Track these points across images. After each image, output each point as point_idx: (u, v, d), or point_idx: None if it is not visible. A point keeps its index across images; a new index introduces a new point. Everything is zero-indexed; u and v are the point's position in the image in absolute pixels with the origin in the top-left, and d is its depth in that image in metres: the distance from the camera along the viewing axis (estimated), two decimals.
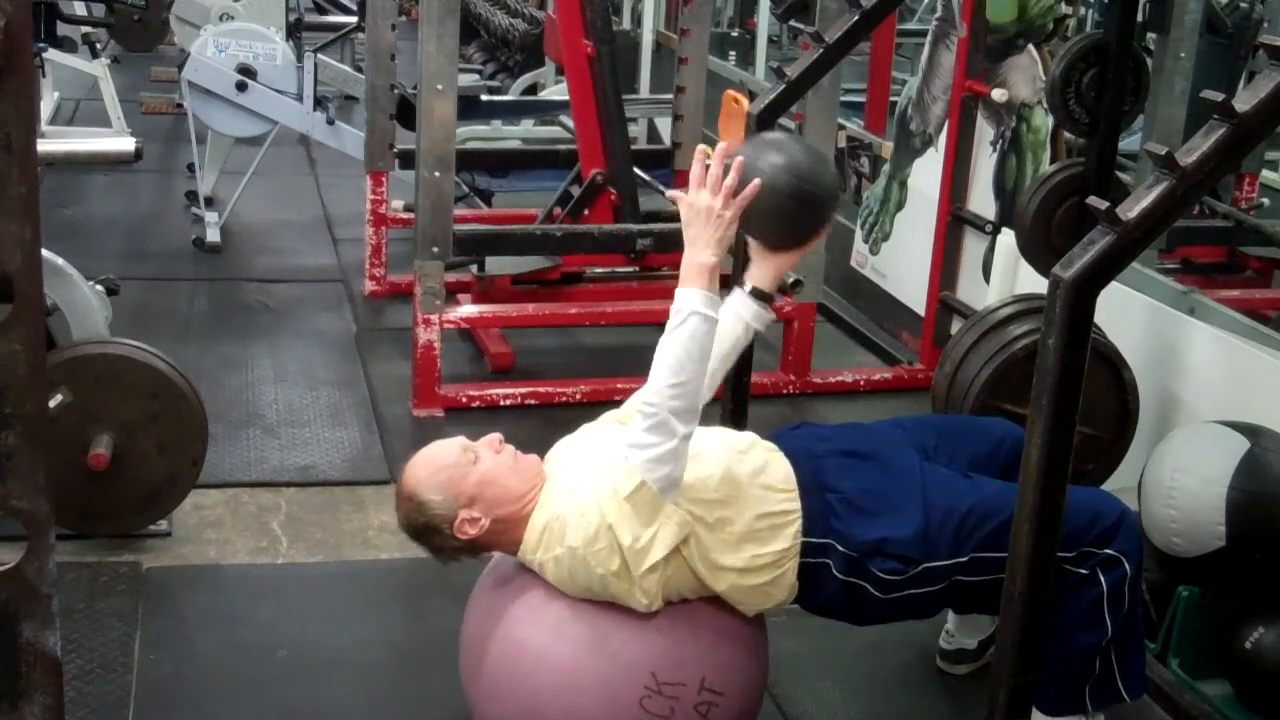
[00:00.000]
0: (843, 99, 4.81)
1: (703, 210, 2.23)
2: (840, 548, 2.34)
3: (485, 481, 2.34)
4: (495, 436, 2.44)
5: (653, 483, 2.19)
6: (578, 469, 2.37)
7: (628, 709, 2.28)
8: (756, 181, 2.25)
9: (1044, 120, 4.17)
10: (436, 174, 3.99)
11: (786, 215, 2.40)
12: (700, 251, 2.23)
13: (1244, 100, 1.79)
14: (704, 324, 2.20)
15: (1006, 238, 3.89)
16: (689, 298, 2.21)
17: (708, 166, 2.25)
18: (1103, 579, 2.35)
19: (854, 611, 2.43)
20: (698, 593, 2.34)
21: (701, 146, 2.32)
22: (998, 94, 4.25)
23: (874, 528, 2.34)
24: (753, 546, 2.31)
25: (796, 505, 2.34)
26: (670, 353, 2.19)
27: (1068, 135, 4.19)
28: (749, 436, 2.49)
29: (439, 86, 3.91)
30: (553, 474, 2.40)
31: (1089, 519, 2.35)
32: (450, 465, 2.36)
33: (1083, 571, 2.35)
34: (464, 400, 4.18)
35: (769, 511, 2.33)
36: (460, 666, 2.49)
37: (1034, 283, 3.52)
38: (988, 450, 2.60)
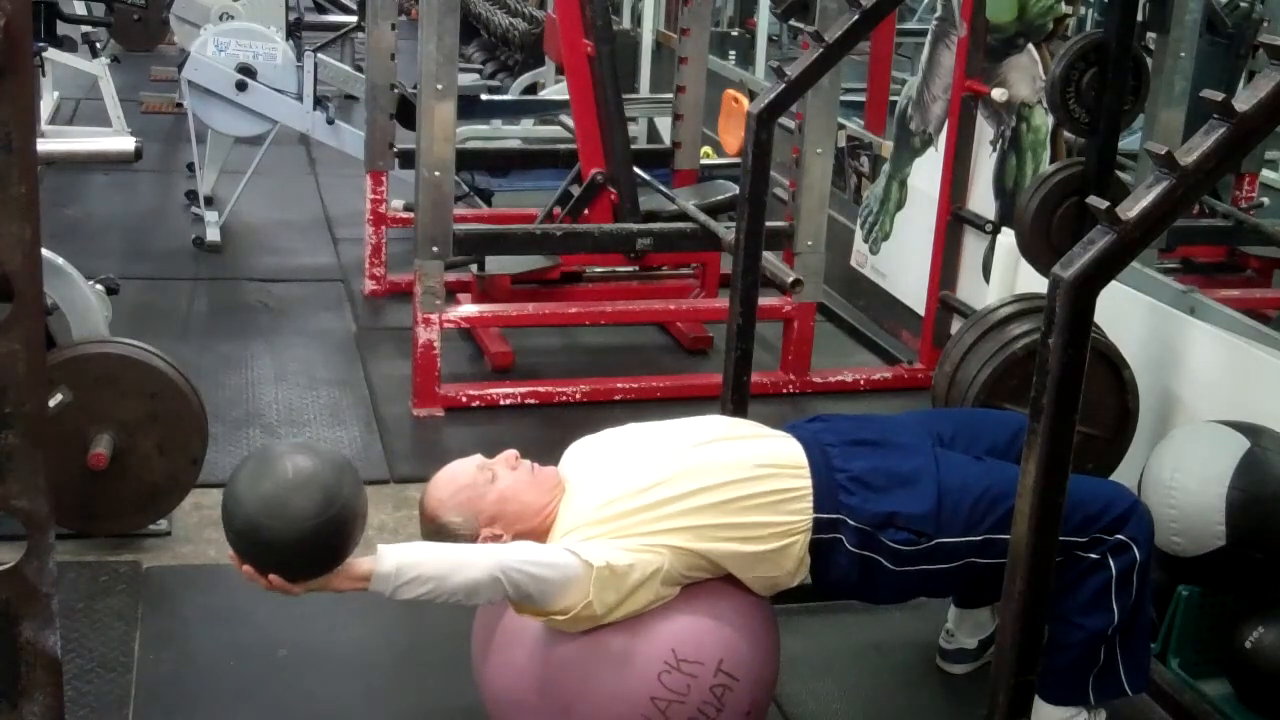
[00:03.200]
0: (843, 98, 4.81)
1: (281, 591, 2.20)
2: (851, 521, 2.36)
3: (504, 499, 2.36)
4: (511, 453, 2.45)
5: (582, 580, 2.22)
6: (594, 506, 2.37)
7: (646, 683, 2.29)
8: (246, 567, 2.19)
9: (1044, 120, 4.17)
10: (436, 174, 3.99)
11: (323, 547, 2.14)
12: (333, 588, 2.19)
13: (1244, 100, 1.79)
14: (399, 594, 2.18)
15: (1006, 237, 3.89)
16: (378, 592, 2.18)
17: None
18: (1112, 564, 2.37)
19: (868, 587, 2.45)
20: (706, 571, 2.35)
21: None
22: (998, 93, 4.25)
23: (885, 501, 2.37)
24: (761, 515, 2.34)
25: (807, 483, 2.37)
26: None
27: (1068, 135, 4.18)
28: (760, 425, 2.53)
29: (439, 86, 3.91)
30: (569, 481, 2.42)
31: (1102, 505, 2.38)
32: (468, 485, 2.38)
33: (1093, 556, 2.37)
34: (464, 400, 4.18)
35: (778, 489, 2.36)
36: (472, 645, 2.49)
37: (1034, 282, 3.52)
38: (1004, 442, 2.61)
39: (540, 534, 2.36)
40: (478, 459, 2.44)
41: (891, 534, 2.36)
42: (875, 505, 2.37)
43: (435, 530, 2.37)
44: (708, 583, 2.36)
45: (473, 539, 2.35)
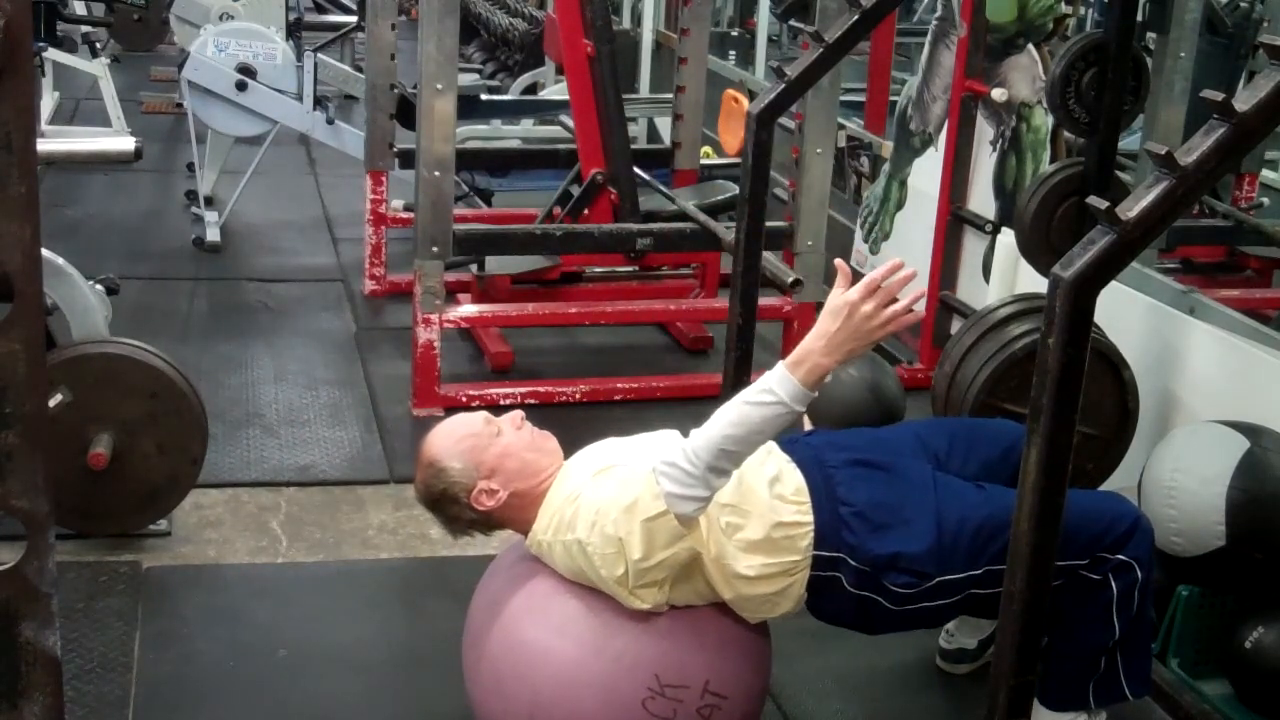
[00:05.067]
0: (843, 99, 4.81)
1: (858, 317, 2.13)
2: (852, 561, 2.33)
3: (506, 454, 2.36)
4: (518, 414, 2.45)
5: (675, 515, 2.17)
6: (606, 458, 2.36)
7: (630, 710, 2.28)
8: (919, 312, 2.22)
9: (1044, 120, 4.17)
10: (436, 173, 3.99)
11: (860, 406, 2.73)
12: (826, 352, 2.13)
13: (1244, 100, 1.79)
14: (786, 417, 2.13)
15: (1006, 237, 3.89)
16: (787, 386, 2.12)
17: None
18: (1114, 584, 2.35)
19: (866, 622, 2.42)
20: (705, 599, 2.34)
21: (897, 260, 2.22)
22: (997, 93, 4.25)
23: (887, 542, 2.33)
24: (764, 555, 2.30)
25: (809, 517, 2.33)
26: (739, 423, 2.13)
27: (1068, 135, 4.19)
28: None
29: (439, 86, 3.91)
30: (570, 465, 2.41)
31: (1104, 526, 2.35)
32: (473, 435, 2.38)
33: (1095, 577, 2.35)
34: (464, 400, 4.17)
35: (782, 522, 2.31)
36: (463, 663, 2.49)
37: (1033, 282, 3.52)
38: (999, 455, 2.58)
39: (536, 497, 2.35)
40: (484, 414, 2.43)
41: (893, 577, 2.32)
42: (877, 546, 2.32)
43: (434, 474, 2.37)
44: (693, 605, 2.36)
45: (468, 490, 2.34)
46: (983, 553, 2.33)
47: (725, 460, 2.14)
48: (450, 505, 2.38)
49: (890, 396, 2.79)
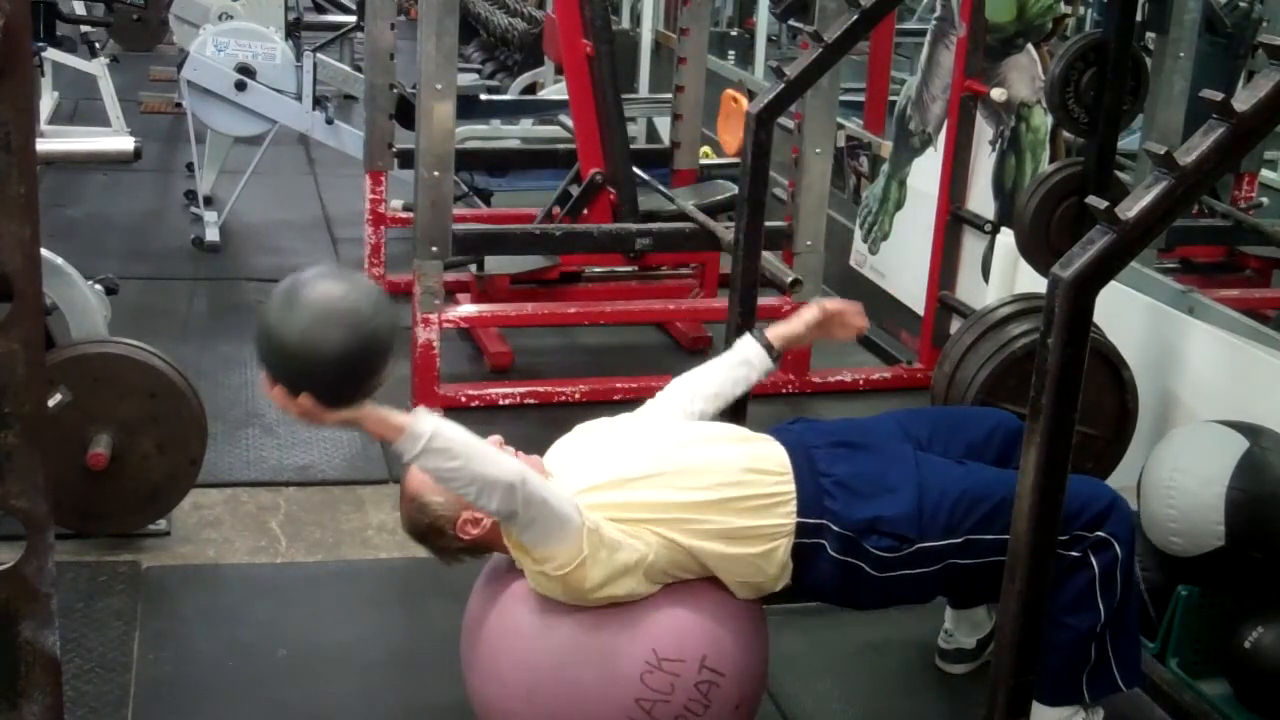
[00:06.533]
0: (842, 98, 4.81)
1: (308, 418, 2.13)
2: (835, 527, 2.37)
3: None
4: (496, 438, 2.45)
5: (578, 534, 2.22)
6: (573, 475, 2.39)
7: (629, 684, 2.29)
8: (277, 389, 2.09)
9: (1043, 119, 4.17)
10: (436, 173, 3.99)
11: (350, 365, 2.09)
12: (363, 426, 2.16)
13: (1243, 100, 1.79)
14: (421, 459, 2.16)
15: (1005, 237, 3.89)
16: (403, 443, 2.14)
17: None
18: (1094, 561, 2.39)
19: (852, 593, 2.45)
20: (689, 570, 2.36)
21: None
22: (997, 93, 4.25)
23: (868, 507, 2.38)
24: (746, 519, 2.35)
25: (791, 488, 2.39)
26: (441, 480, 2.22)
27: (1067, 135, 4.19)
28: (744, 429, 2.55)
29: (438, 86, 3.91)
30: (553, 473, 2.42)
31: (1080, 503, 2.38)
32: None
33: (1075, 554, 2.39)
34: (463, 400, 4.18)
35: (762, 493, 2.37)
36: (461, 652, 2.49)
37: (1033, 282, 3.53)
38: (982, 439, 2.64)
39: None
40: None
41: (874, 540, 2.37)
42: (858, 511, 2.38)
43: (417, 509, 2.38)
44: (688, 580, 2.37)
45: (452, 522, 2.35)
46: (962, 522, 2.38)
47: (481, 496, 2.19)
48: (437, 537, 2.40)
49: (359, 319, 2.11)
